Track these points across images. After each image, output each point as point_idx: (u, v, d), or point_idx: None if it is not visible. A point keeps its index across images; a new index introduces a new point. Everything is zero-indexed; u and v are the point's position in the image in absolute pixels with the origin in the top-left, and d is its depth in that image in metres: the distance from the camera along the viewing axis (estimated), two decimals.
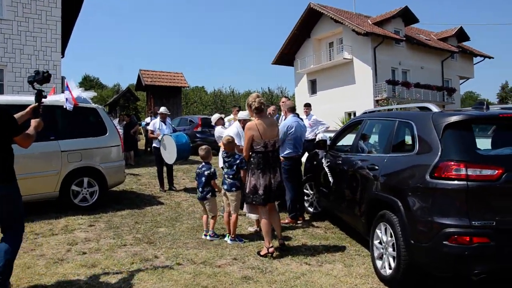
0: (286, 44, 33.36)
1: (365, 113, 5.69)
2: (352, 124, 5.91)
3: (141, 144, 16.38)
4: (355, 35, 27.77)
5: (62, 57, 18.39)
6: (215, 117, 8.02)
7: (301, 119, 7.32)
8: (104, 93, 62.27)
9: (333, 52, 31.46)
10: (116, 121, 10.54)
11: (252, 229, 5.94)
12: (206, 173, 5.45)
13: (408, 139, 4.27)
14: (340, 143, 6.30)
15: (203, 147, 5.69)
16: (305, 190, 6.95)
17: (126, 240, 5.33)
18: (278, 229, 5.14)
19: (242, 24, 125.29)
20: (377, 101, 27.19)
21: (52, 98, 7.03)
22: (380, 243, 4.23)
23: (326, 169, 5.81)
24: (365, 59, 28.04)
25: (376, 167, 4.34)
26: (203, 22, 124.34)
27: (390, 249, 3.97)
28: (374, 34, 26.97)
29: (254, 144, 4.97)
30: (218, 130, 7.65)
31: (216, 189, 5.53)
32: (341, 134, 6.12)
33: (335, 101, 29.02)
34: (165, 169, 9.06)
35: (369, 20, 30.37)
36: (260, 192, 4.83)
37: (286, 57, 34.40)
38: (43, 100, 3.64)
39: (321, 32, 31.86)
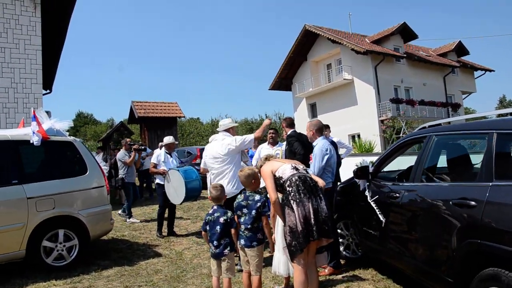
0: (283, 69, 32.48)
1: (424, 127, 4.31)
2: (408, 143, 4.50)
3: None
4: (354, 54, 26.83)
5: (49, 92, 17.27)
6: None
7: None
8: (98, 128, 61.23)
9: (332, 74, 30.44)
10: (99, 157, 9.06)
11: None
12: (221, 220, 3.99)
13: None
14: (385, 169, 4.92)
15: (216, 185, 4.27)
16: (338, 231, 5.53)
17: None
18: None
19: (236, 51, 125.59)
20: (382, 121, 26.02)
21: (17, 132, 5.66)
22: None
23: (373, 205, 4.40)
24: (366, 78, 26.99)
25: (472, 203, 2.94)
26: (194, 53, 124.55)
27: None
28: (374, 52, 26.01)
29: (280, 174, 3.78)
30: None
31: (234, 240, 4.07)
32: (388, 157, 4.70)
33: (338, 124, 27.62)
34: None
35: (366, 39, 29.53)
36: (299, 228, 3.45)
37: (284, 81, 33.51)
38: None
39: (318, 54, 30.99)
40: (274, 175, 3.80)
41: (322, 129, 5.25)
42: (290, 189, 3.59)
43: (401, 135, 21.87)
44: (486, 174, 2.98)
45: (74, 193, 5.61)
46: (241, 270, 4.37)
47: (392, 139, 22.72)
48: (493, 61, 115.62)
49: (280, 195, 3.82)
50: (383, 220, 4.22)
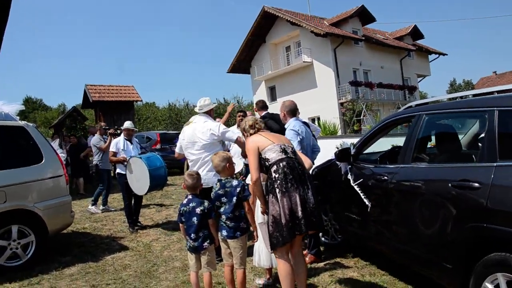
0: (241, 51, 32.03)
1: (410, 107, 4.10)
2: (393, 123, 4.29)
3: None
4: (313, 37, 26.76)
5: None
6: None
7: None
8: (49, 114, 58.59)
9: (291, 56, 30.34)
10: (55, 144, 8.41)
11: (260, 281, 4.19)
12: (197, 210, 3.64)
13: None
14: (366, 151, 4.72)
15: (192, 172, 3.89)
16: None
17: None
18: (302, 284, 3.44)
19: (193, 34, 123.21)
20: (341, 104, 26.19)
21: None
22: None
23: (357, 189, 4.18)
24: (326, 61, 27.04)
25: (476, 184, 2.75)
26: (150, 37, 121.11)
27: None
28: (333, 34, 26.06)
29: (267, 155, 3.38)
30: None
31: (213, 233, 3.72)
32: (371, 138, 4.47)
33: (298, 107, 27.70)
34: None
35: (325, 22, 29.54)
36: (283, 220, 3.14)
37: (242, 64, 33.12)
38: None
39: (277, 36, 30.71)
40: (260, 154, 3.45)
41: (294, 111, 5.01)
42: (277, 175, 3.26)
43: (361, 117, 22.09)
44: (489, 154, 2.79)
45: (28, 184, 5.06)
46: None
47: (352, 121, 22.91)
48: (445, 45, 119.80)
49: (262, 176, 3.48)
50: (369, 205, 4.00)
